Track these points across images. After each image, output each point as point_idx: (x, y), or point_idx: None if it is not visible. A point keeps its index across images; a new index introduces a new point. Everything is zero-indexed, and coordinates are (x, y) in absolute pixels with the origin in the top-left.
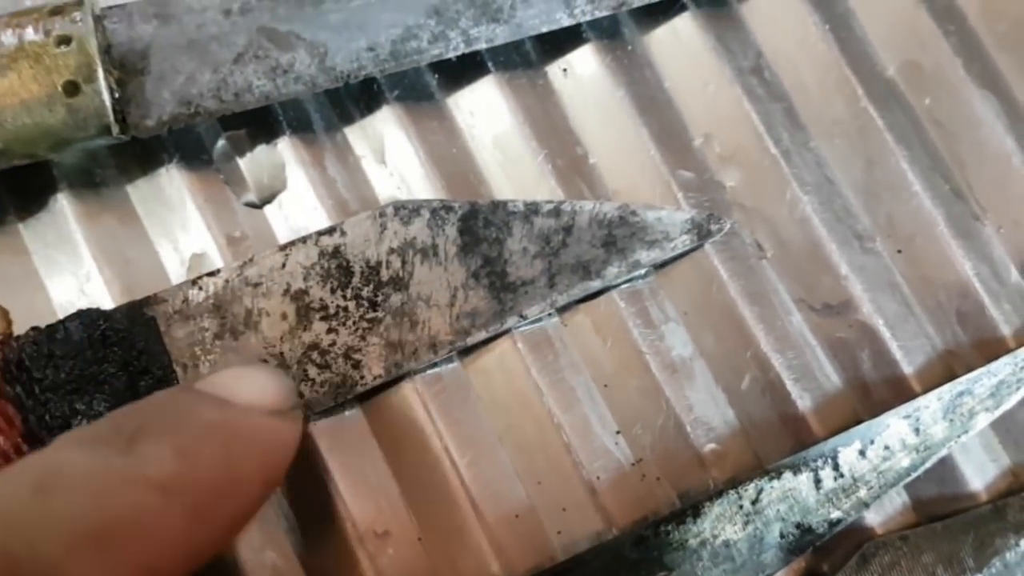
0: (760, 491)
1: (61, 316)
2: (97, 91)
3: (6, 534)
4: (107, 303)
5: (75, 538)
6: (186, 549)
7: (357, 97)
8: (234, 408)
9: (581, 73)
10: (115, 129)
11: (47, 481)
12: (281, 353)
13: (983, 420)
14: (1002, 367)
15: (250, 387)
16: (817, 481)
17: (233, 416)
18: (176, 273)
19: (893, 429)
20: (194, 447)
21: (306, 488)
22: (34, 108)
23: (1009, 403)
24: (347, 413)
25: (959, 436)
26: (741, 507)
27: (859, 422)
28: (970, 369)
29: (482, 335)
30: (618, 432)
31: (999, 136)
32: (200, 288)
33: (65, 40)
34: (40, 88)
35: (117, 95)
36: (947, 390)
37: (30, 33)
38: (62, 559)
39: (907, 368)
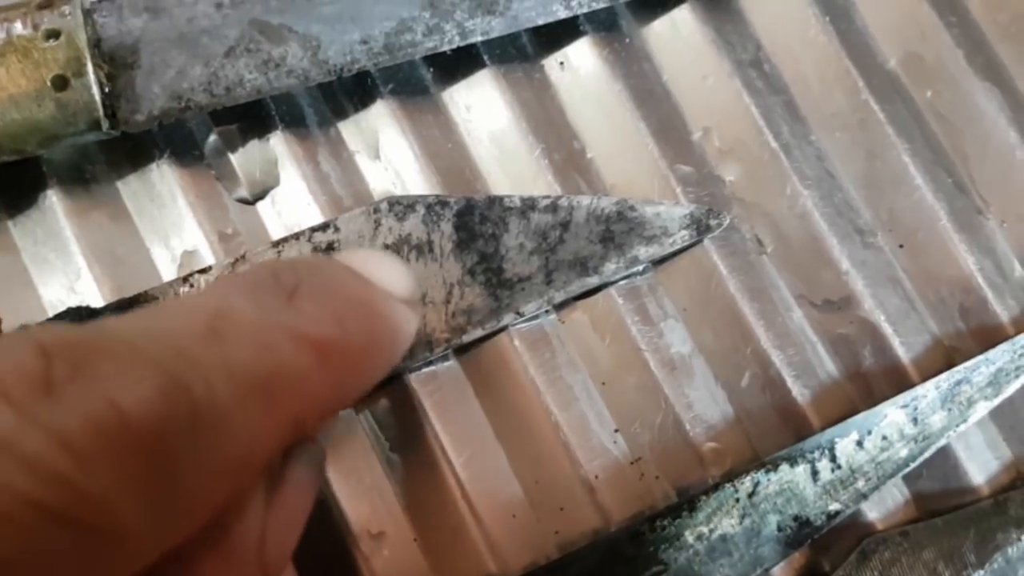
0: (757, 484)
1: (51, 314)
2: (86, 85)
3: (189, 372)
4: (97, 301)
5: (244, 384)
6: (324, 408)
7: (351, 91)
8: (376, 288)
9: (578, 66)
10: (105, 124)
11: (220, 324)
12: None
13: (982, 409)
14: (1000, 354)
15: (387, 272)
16: (814, 473)
17: (376, 295)
18: (167, 270)
19: (891, 419)
20: (347, 316)
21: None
22: (23, 103)
23: (1008, 391)
24: (341, 412)
25: (958, 425)
26: (738, 500)
27: None
28: None
29: (478, 332)
30: (616, 430)
31: (1002, 129)
32: (192, 285)
33: (54, 34)
34: (28, 83)
35: (107, 89)
36: (945, 379)
37: (18, 27)
38: (233, 405)
39: (909, 364)
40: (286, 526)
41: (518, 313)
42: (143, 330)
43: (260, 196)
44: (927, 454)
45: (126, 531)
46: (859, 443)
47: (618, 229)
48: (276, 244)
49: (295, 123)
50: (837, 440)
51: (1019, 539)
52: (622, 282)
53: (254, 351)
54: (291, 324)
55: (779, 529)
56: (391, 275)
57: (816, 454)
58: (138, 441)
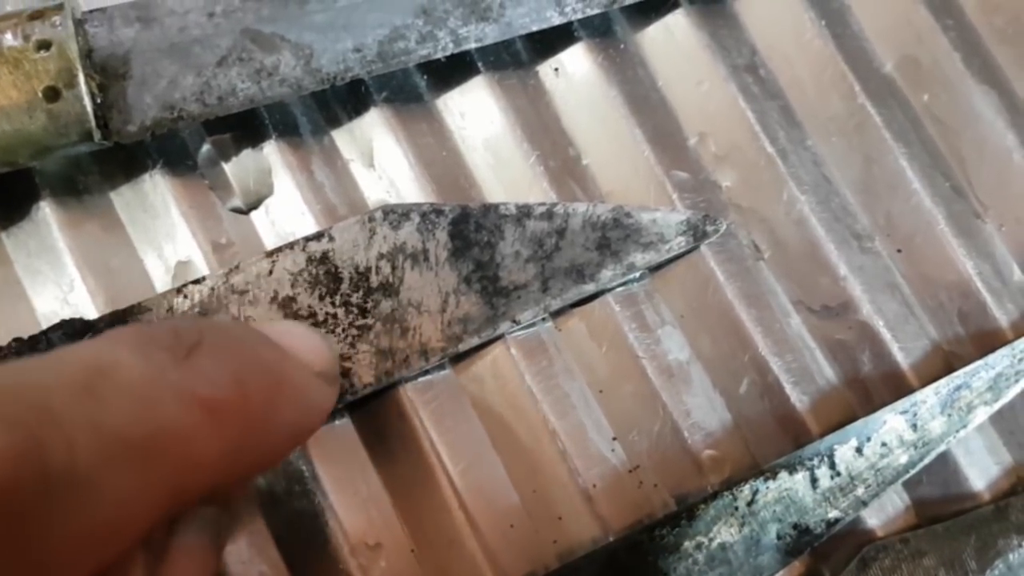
0: (756, 492)
1: (44, 326)
2: (78, 96)
3: (48, 432)
4: (91, 313)
5: (115, 448)
6: (213, 478)
7: (344, 99)
8: (289, 357)
9: (573, 72)
10: (97, 135)
11: (97, 380)
12: None
13: (982, 414)
14: (1000, 359)
15: (304, 343)
16: (813, 480)
17: (288, 363)
18: (161, 281)
19: (890, 425)
20: (249, 377)
21: (296, 499)
22: (14, 115)
23: (1008, 396)
24: (337, 422)
25: (958, 431)
26: (736, 509)
27: None
28: None
29: (474, 341)
30: (614, 438)
31: (999, 132)
32: (185, 296)
33: (45, 45)
34: (20, 94)
35: (99, 100)
36: (944, 384)
37: (9, 38)
38: (98, 468)
39: (908, 370)
40: None
41: (514, 321)
42: (11, 383)
43: (254, 205)
44: (927, 460)
45: None
46: (858, 450)
47: (614, 236)
48: (270, 254)
49: (289, 132)
50: (836, 447)
51: (1020, 545)
52: (619, 289)
53: (131, 410)
54: (181, 382)
55: (778, 537)
56: (308, 346)
57: (815, 461)
58: None
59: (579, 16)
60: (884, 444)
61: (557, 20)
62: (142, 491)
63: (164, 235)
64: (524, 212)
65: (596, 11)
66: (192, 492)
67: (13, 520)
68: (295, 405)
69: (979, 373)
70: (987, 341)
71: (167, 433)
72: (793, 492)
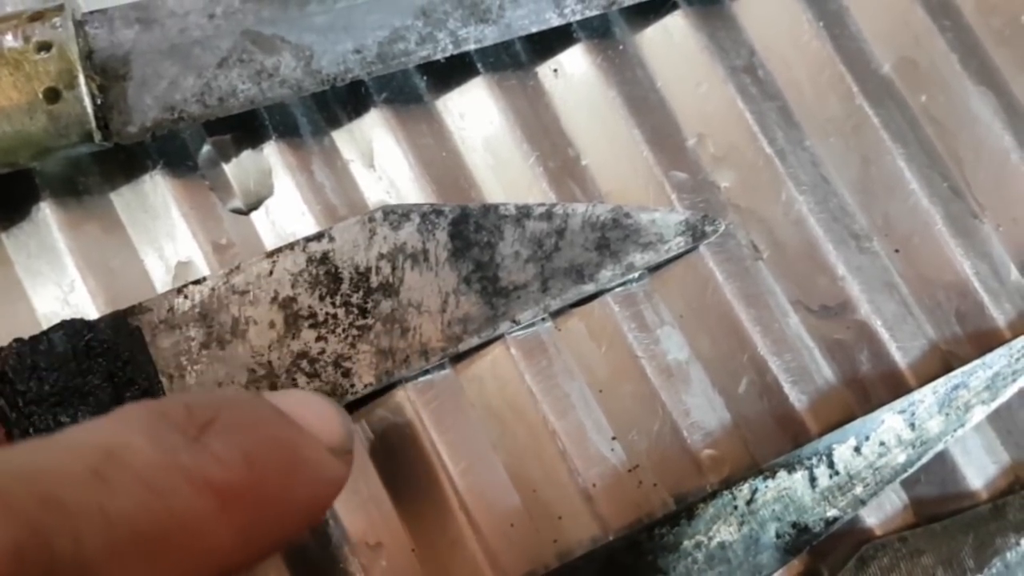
0: (755, 491)
1: (44, 327)
2: (79, 97)
3: (53, 522)
4: (91, 313)
5: (124, 538)
6: (224, 565)
7: (344, 100)
8: (303, 432)
9: (572, 73)
10: (97, 136)
11: (106, 466)
12: (269, 362)
13: (979, 413)
14: (997, 359)
15: (318, 417)
16: (812, 479)
17: (302, 440)
18: (161, 282)
19: (888, 424)
20: (261, 458)
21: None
22: (14, 116)
23: (1005, 395)
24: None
25: (955, 430)
26: (736, 508)
27: None
28: None
29: (474, 341)
30: (614, 438)
31: (996, 133)
32: (186, 297)
33: (45, 46)
34: (20, 95)
35: (99, 101)
36: (942, 383)
37: (9, 39)
38: (104, 560)
39: (906, 369)
40: None
41: (514, 321)
42: (17, 470)
43: (254, 206)
44: (925, 459)
45: None
46: (857, 449)
47: (613, 236)
48: (271, 254)
49: (289, 133)
50: (835, 446)
51: (1018, 544)
52: (618, 289)
53: (142, 498)
54: (193, 465)
55: (777, 536)
56: (322, 420)
57: (814, 460)
58: None
59: (578, 17)
60: (882, 443)
61: (556, 21)
62: None
63: (164, 236)
64: (524, 212)
65: (595, 12)
66: None
67: None
68: (310, 484)
69: (977, 372)
70: (985, 341)
71: (179, 521)
72: (792, 491)
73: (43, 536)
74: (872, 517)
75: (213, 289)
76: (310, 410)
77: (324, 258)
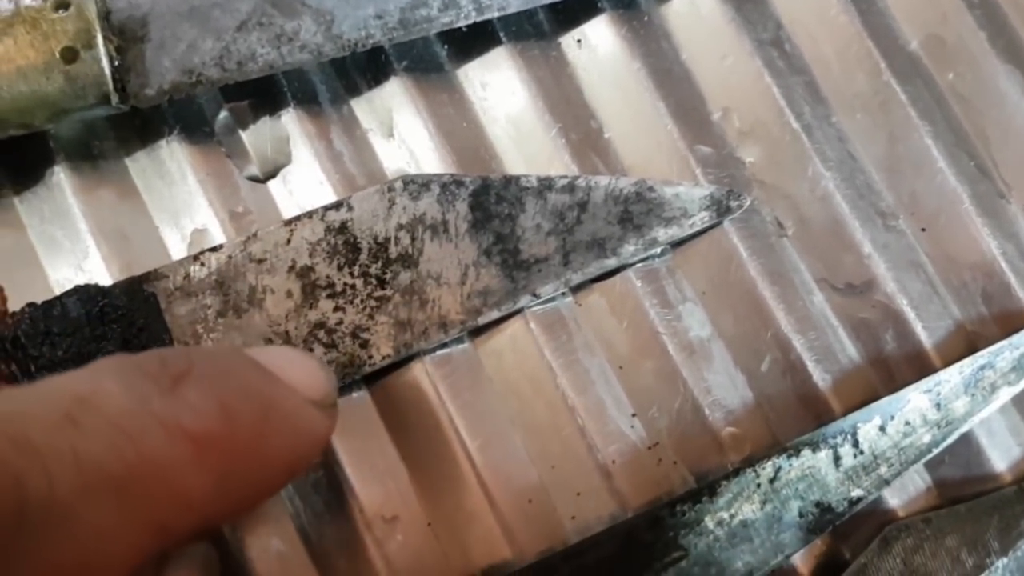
0: (778, 469)
1: (58, 293)
2: (96, 58)
3: (26, 462)
4: (105, 280)
5: (95, 481)
6: (201, 515)
7: (364, 68)
8: (280, 384)
9: (596, 44)
10: (114, 98)
11: (79, 411)
12: (286, 332)
13: (1005, 394)
14: (1023, 339)
15: (298, 371)
16: (836, 458)
17: (278, 391)
18: (177, 249)
19: (913, 404)
20: (236, 407)
21: (312, 472)
22: (31, 75)
23: None
24: (354, 395)
25: (980, 411)
26: (759, 485)
27: None
28: None
29: (494, 314)
30: (634, 415)
31: None
32: (202, 264)
33: (63, 4)
34: (37, 55)
35: (116, 63)
36: (968, 364)
37: None
38: (76, 502)
39: (932, 349)
40: None
41: (534, 295)
42: None
43: (271, 174)
44: (950, 440)
45: None
46: (882, 428)
47: (636, 210)
48: (288, 222)
49: (307, 100)
50: (859, 425)
51: None
52: (640, 264)
53: (113, 441)
54: (166, 413)
55: (800, 515)
56: (303, 373)
57: (838, 439)
58: None
59: None
60: (907, 423)
61: None
62: (123, 526)
63: (180, 202)
64: (545, 184)
65: None
66: (179, 529)
67: None
68: (287, 435)
69: (1003, 353)
70: (1011, 321)
71: (150, 465)
72: (816, 470)
73: (16, 476)
74: (895, 498)
75: (230, 257)
76: (291, 363)
77: (343, 227)
